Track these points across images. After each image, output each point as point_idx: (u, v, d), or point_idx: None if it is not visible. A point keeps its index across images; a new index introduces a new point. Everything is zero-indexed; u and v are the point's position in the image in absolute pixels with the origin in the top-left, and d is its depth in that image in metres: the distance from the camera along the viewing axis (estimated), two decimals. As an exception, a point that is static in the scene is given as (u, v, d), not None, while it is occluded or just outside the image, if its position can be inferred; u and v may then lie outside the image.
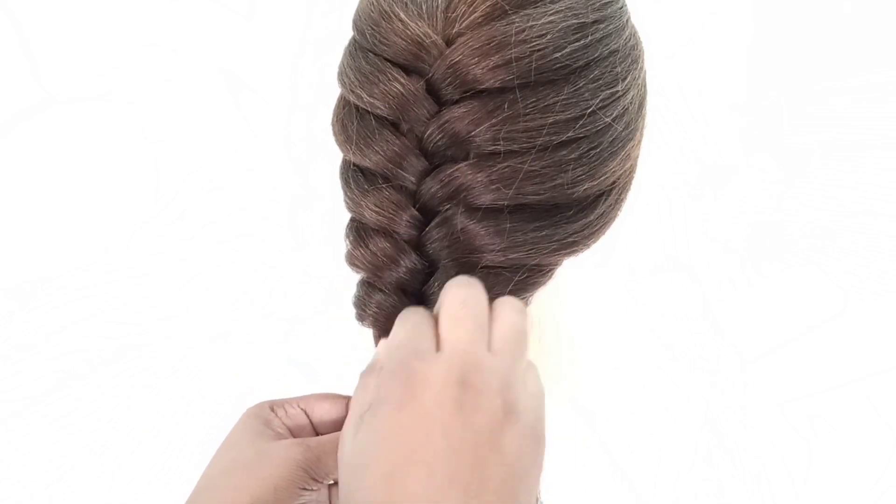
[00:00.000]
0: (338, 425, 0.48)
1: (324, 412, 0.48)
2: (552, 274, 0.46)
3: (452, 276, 0.43)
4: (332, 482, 0.45)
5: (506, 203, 0.43)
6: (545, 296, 0.49)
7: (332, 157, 0.49)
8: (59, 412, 0.89)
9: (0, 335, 0.89)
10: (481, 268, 0.44)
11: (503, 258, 0.43)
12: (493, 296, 0.43)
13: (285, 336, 0.91)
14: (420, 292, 0.46)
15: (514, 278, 0.44)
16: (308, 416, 0.48)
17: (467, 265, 0.44)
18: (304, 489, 0.42)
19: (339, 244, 0.49)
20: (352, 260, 0.47)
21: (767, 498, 0.90)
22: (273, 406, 0.48)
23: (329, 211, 0.50)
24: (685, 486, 0.91)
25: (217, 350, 0.90)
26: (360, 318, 0.48)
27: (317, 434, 0.48)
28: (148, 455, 0.84)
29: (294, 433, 0.48)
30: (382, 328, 0.47)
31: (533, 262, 0.44)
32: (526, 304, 0.46)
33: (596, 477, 0.91)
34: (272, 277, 0.92)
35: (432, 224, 0.44)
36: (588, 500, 0.91)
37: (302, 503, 0.42)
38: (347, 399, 0.48)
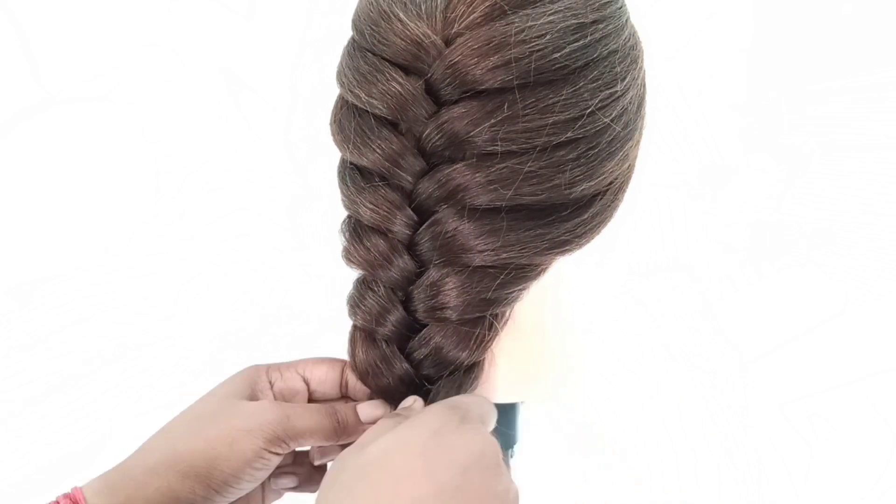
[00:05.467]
0: (333, 387, 0.50)
1: (321, 374, 0.50)
2: (541, 273, 0.46)
3: (440, 277, 0.44)
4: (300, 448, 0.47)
5: (503, 204, 0.42)
6: (545, 296, 0.49)
7: (331, 157, 0.49)
8: (59, 412, 0.89)
9: (0, 335, 0.89)
10: (470, 268, 0.44)
11: (494, 258, 0.43)
12: (478, 295, 0.43)
13: (285, 336, 0.91)
14: (407, 292, 0.46)
15: (500, 276, 0.44)
16: (306, 382, 0.50)
17: (457, 266, 0.44)
18: (268, 451, 0.44)
19: (339, 244, 0.49)
20: (348, 256, 0.47)
21: (767, 498, 0.90)
22: (268, 370, 0.50)
23: (329, 211, 0.50)
24: (686, 486, 0.91)
25: (217, 350, 0.90)
26: (352, 315, 0.48)
27: (311, 401, 0.50)
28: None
29: (286, 397, 0.49)
30: (372, 326, 0.47)
31: (523, 262, 0.44)
32: (518, 300, 0.46)
33: (595, 477, 0.91)
34: (272, 277, 0.92)
35: (424, 225, 0.44)
36: (588, 500, 0.91)
37: (261, 465, 0.44)
38: (343, 363, 0.50)
